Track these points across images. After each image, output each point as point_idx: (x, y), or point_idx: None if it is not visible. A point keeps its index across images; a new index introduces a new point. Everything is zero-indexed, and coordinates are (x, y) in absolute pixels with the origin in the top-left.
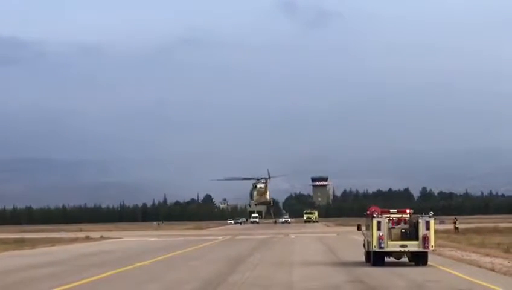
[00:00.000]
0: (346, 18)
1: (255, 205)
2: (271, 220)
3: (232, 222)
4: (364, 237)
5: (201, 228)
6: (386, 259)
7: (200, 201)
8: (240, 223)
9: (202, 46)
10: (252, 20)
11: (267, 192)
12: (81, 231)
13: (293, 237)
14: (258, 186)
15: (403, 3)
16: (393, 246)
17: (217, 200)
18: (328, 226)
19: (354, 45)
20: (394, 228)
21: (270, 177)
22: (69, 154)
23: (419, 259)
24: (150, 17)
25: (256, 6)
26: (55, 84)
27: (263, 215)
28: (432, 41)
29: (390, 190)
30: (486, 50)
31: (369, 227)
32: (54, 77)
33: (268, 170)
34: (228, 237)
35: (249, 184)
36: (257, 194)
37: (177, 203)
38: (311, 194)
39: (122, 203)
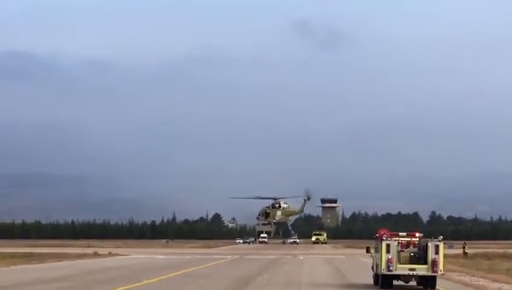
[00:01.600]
0: (359, 39)
1: (263, 224)
2: (279, 241)
3: (241, 241)
4: (373, 260)
5: (209, 247)
6: (395, 282)
7: (209, 220)
8: (249, 242)
9: (214, 63)
10: (265, 39)
11: (301, 212)
12: (89, 246)
13: (301, 258)
14: (284, 205)
15: (414, 24)
16: (402, 269)
17: (226, 219)
18: (336, 248)
19: (365, 66)
20: (403, 251)
21: (309, 198)
22: (79, 169)
23: (427, 283)
24: (161, 33)
25: (269, 26)
26: (66, 99)
27: (271, 235)
28: (445, 63)
29: (399, 213)
30: (504, 74)
31: (378, 250)
32: (65, 91)
33: (308, 189)
34: (236, 256)
35: (258, 203)
36: (282, 214)
37: (186, 221)
38: (320, 215)
39: (131, 219)
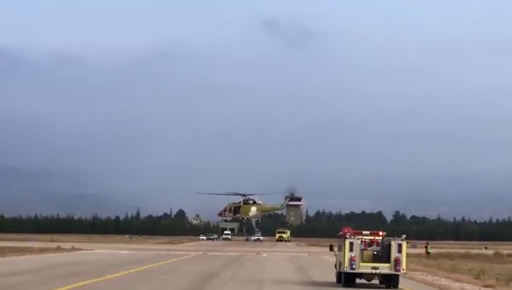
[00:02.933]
0: (328, 38)
1: (226, 221)
2: (243, 238)
3: (204, 238)
4: (336, 258)
5: (173, 243)
6: (357, 280)
7: (173, 216)
8: (212, 239)
9: (181, 60)
10: (233, 36)
11: (283, 209)
12: (52, 241)
13: (264, 255)
14: (259, 202)
15: (386, 25)
16: (365, 267)
17: (190, 215)
18: (300, 246)
19: (334, 65)
20: (366, 249)
21: (292, 195)
22: (44, 164)
23: (390, 282)
24: (130, 29)
25: (237, 23)
26: (32, 93)
27: (235, 232)
28: (413, 65)
29: (363, 212)
30: (466, 75)
31: (341, 248)
32: (31, 85)
33: (292, 187)
34: (200, 252)
35: (224, 200)
36: (257, 210)
37: (150, 217)
38: (285, 213)
39: (95, 215)
